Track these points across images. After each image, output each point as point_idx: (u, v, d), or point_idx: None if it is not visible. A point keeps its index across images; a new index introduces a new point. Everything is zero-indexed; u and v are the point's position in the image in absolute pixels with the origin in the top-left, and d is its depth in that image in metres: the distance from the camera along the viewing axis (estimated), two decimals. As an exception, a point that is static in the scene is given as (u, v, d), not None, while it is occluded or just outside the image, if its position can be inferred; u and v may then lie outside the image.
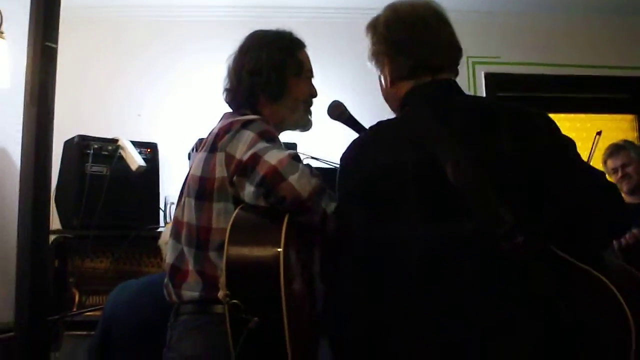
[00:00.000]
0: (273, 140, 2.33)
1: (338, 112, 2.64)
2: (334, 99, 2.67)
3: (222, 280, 2.10)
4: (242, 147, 2.27)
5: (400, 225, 2.06)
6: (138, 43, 5.05)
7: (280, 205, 2.17)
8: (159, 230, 4.17)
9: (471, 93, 5.30)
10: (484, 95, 5.34)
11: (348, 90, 4.79)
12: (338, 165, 2.24)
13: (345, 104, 2.68)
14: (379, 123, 2.29)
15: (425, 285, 2.01)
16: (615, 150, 4.61)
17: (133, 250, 4.07)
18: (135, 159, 3.99)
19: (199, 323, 2.30)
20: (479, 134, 2.12)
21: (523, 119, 2.19)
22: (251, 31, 2.67)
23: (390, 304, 2.04)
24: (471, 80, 5.36)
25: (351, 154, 2.24)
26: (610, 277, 1.99)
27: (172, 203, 4.23)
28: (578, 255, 2.01)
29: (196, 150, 4.00)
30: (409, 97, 2.28)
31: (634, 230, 3.94)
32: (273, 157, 2.20)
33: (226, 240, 2.13)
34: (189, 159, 4.31)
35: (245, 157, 2.23)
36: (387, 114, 4.97)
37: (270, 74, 2.54)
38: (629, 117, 5.85)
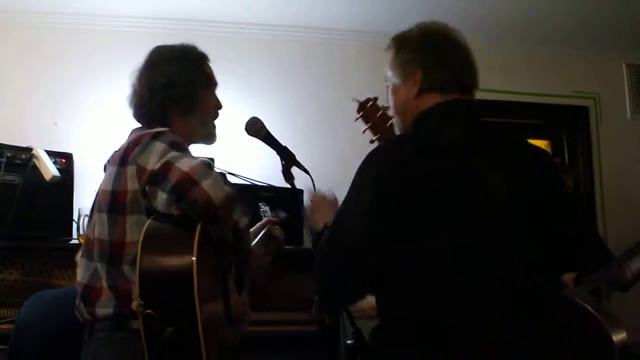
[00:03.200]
0: (184, 150, 2.33)
1: (256, 128, 2.65)
2: (252, 116, 2.67)
3: (136, 290, 2.08)
4: (154, 158, 2.24)
5: (437, 232, 2.07)
6: (57, 51, 4.96)
7: (192, 211, 2.15)
8: (72, 242, 4.11)
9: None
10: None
11: (267, 106, 4.82)
12: (257, 182, 2.25)
13: (264, 121, 2.69)
14: (406, 134, 2.38)
15: (452, 297, 2.04)
16: None
17: (44, 262, 3.97)
18: (50, 169, 3.92)
19: (115, 339, 2.27)
20: (508, 160, 2.21)
21: (538, 155, 2.35)
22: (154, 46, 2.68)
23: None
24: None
25: (388, 156, 2.22)
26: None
27: (86, 215, 4.14)
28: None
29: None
30: (435, 111, 2.30)
31: None
32: (185, 164, 2.18)
33: (139, 250, 2.12)
34: (105, 171, 4.25)
35: (156, 167, 2.20)
36: (306, 131, 5.00)
37: (184, 88, 2.54)
38: (543, 143, 5.99)
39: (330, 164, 5.06)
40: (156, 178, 2.19)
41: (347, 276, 2.15)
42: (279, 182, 2.59)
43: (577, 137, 5.83)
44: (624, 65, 5.94)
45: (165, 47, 2.66)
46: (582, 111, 5.83)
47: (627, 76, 5.93)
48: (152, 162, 2.23)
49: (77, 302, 2.40)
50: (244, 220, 2.30)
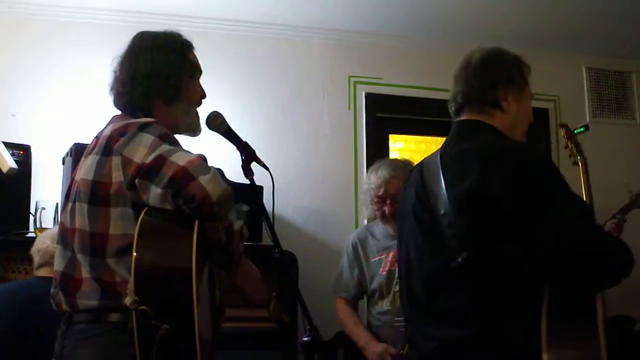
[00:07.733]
0: (175, 142, 2.30)
1: (216, 123, 2.62)
2: (214, 110, 2.66)
3: (130, 286, 2.04)
4: (142, 150, 2.21)
5: (402, 248, 2.66)
6: (16, 42, 4.89)
7: (188, 206, 2.13)
8: (28, 235, 4.06)
9: (352, 112, 5.42)
10: (364, 114, 5.45)
11: (229, 102, 4.80)
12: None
13: (225, 116, 2.67)
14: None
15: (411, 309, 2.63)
16: None
17: (0, 255, 3.94)
18: (7, 161, 3.86)
19: (96, 332, 2.21)
20: (465, 174, 2.36)
21: (509, 158, 2.39)
22: (137, 32, 2.64)
23: None
24: (352, 99, 5.42)
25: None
26: None
27: (44, 208, 4.11)
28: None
29: (71, 155, 3.91)
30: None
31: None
32: (181, 158, 2.16)
33: (134, 245, 2.08)
34: (63, 163, 4.21)
35: (148, 160, 2.17)
36: (268, 128, 4.98)
37: (168, 77, 2.50)
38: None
39: (291, 161, 5.08)
40: (148, 172, 2.16)
41: None
42: (239, 177, 2.56)
43: (536, 140, 5.85)
44: (583, 67, 6.04)
45: (149, 34, 2.61)
46: (542, 113, 5.85)
47: (587, 79, 6.03)
48: (140, 155, 2.20)
49: (53, 290, 2.35)
50: (238, 223, 2.28)
